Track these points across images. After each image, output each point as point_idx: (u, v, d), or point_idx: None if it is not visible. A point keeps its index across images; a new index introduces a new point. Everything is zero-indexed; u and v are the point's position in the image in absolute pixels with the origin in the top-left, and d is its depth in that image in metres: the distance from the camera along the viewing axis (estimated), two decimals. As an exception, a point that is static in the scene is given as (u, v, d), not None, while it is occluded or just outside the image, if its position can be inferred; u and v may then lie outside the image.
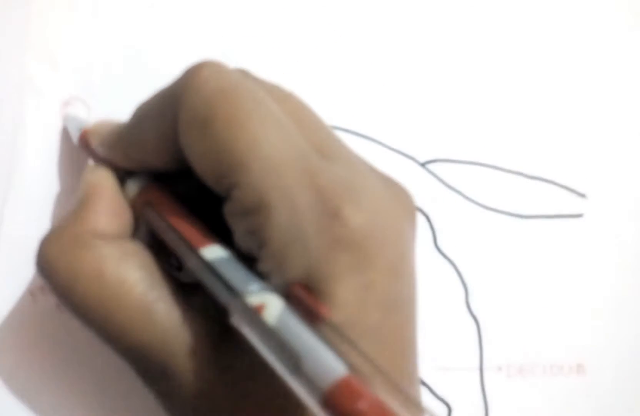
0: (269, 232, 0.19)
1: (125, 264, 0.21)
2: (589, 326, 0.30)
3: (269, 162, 0.19)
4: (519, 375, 0.29)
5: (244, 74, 0.22)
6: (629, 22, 0.33)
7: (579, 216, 0.31)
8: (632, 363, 0.30)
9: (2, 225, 0.28)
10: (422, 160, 0.30)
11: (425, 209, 0.30)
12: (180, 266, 0.22)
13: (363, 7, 0.31)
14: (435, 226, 0.30)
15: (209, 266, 0.19)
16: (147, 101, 0.22)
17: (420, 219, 0.30)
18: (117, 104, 0.29)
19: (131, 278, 0.20)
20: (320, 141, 0.21)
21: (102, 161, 0.24)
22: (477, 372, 0.29)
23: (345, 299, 0.18)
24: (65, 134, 0.28)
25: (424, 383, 0.29)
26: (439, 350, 0.29)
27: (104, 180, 0.23)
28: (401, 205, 0.21)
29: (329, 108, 0.29)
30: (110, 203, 0.22)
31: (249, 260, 0.20)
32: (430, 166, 0.30)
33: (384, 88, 0.31)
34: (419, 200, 0.30)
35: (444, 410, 0.29)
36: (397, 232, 0.20)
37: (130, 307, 0.20)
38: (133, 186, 0.23)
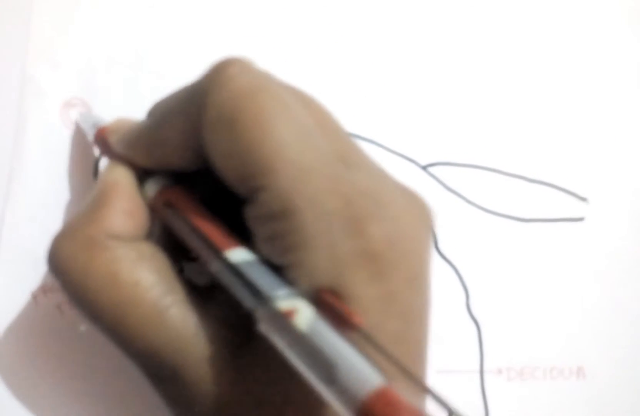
0: (296, 237, 0.18)
1: (140, 267, 0.20)
2: (589, 329, 0.30)
3: (296, 167, 0.18)
4: (519, 378, 0.29)
5: (268, 74, 0.21)
6: (631, 27, 0.33)
7: (580, 219, 0.31)
8: (632, 366, 0.30)
9: (3, 227, 0.28)
10: (423, 163, 0.30)
11: (427, 212, 0.30)
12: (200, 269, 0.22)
13: (365, 12, 0.31)
14: (436, 229, 0.30)
15: (234, 269, 0.19)
16: (169, 97, 0.21)
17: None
18: (118, 104, 0.29)
19: (145, 281, 0.20)
20: (343, 148, 0.20)
21: (119, 158, 0.23)
22: (478, 375, 0.29)
23: (368, 307, 0.18)
24: (77, 135, 0.28)
25: (424, 386, 0.29)
26: (440, 353, 0.29)
27: (121, 179, 0.22)
28: (419, 215, 0.21)
29: (331, 111, 0.30)
30: (127, 203, 0.22)
31: (270, 266, 0.19)
32: (432, 169, 0.30)
33: (385, 91, 0.31)
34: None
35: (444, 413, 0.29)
36: (417, 242, 0.20)
37: (143, 311, 0.20)
38: (152, 186, 0.22)
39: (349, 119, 0.30)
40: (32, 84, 0.29)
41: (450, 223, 0.30)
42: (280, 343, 0.17)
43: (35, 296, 0.28)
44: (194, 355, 0.20)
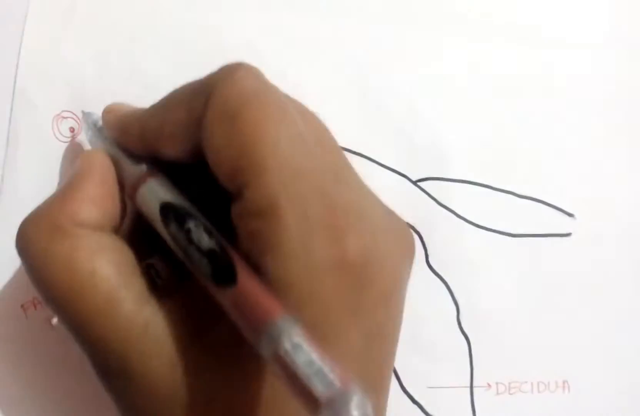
0: (276, 237, 0.19)
1: (98, 257, 0.21)
2: (574, 343, 0.30)
3: (286, 168, 0.19)
4: (507, 392, 0.30)
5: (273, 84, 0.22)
6: (622, 50, 0.33)
7: (567, 235, 0.31)
8: (615, 379, 0.31)
9: (-6, 240, 0.27)
10: (414, 178, 0.31)
11: (417, 227, 0.30)
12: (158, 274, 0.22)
13: (356, 24, 0.31)
14: (427, 244, 0.30)
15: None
16: (174, 90, 0.22)
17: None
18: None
19: (101, 272, 0.20)
20: (336, 164, 0.21)
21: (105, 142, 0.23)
22: (467, 390, 0.29)
23: (336, 317, 0.19)
24: (69, 148, 0.28)
25: (415, 402, 0.29)
26: (430, 368, 0.29)
27: (97, 163, 0.23)
28: (400, 241, 0.22)
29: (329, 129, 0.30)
30: (96, 190, 0.22)
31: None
32: (423, 184, 0.31)
33: (377, 106, 0.31)
34: (411, 218, 0.30)
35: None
36: (393, 264, 0.21)
37: (95, 300, 0.20)
38: (137, 170, 0.22)
39: (340, 134, 0.30)
40: (24, 97, 0.29)
41: (441, 238, 0.30)
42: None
43: (25, 309, 0.28)
44: (142, 349, 0.20)
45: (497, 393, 0.30)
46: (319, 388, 0.15)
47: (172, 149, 0.22)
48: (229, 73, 0.20)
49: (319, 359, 0.16)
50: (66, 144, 0.28)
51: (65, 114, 0.29)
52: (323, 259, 0.19)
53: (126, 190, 0.23)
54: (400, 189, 0.30)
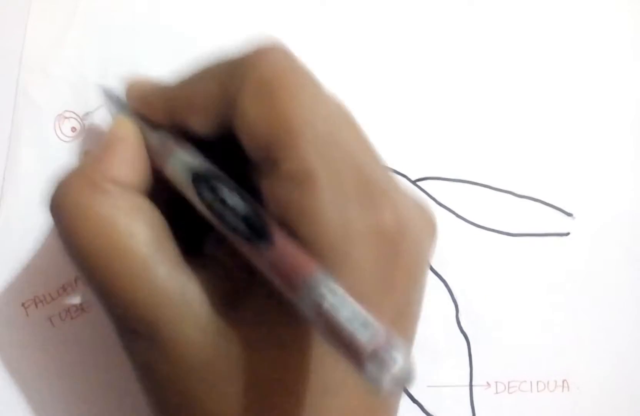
0: (312, 202, 0.19)
1: (137, 219, 0.21)
2: (574, 342, 0.31)
3: (322, 139, 0.19)
4: (506, 391, 0.30)
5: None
6: (619, 49, 0.33)
7: (566, 234, 0.31)
8: (614, 378, 0.31)
9: (-4, 239, 0.28)
10: (413, 178, 0.31)
11: (417, 227, 0.30)
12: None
13: (357, 26, 0.32)
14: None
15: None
16: (204, 65, 0.22)
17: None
18: (111, 117, 0.29)
19: (140, 234, 0.20)
20: (364, 143, 0.22)
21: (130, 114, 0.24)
22: (467, 389, 0.30)
23: (369, 284, 0.19)
24: (72, 147, 0.28)
25: (414, 401, 0.29)
26: (430, 368, 0.29)
27: (129, 130, 0.23)
28: (425, 221, 0.22)
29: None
30: (131, 154, 0.22)
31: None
32: (422, 184, 0.31)
33: (376, 106, 0.31)
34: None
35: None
36: (420, 242, 0.21)
37: (133, 263, 0.20)
38: (163, 141, 0.23)
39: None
40: (26, 97, 0.29)
41: (440, 237, 0.30)
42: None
43: (26, 307, 0.28)
44: (175, 315, 0.20)
45: (497, 392, 0.30)
46: (364, 338, 0.15)
47: (201, 122, 0.22)
48: (264, 52, 0.20)
49: (362, 311, 0.16)
50: (68, 144, 0.29)
51: (67, 114, 0.29)
52: (359, 227, 0.19)
53: (152, 161, 0.23)
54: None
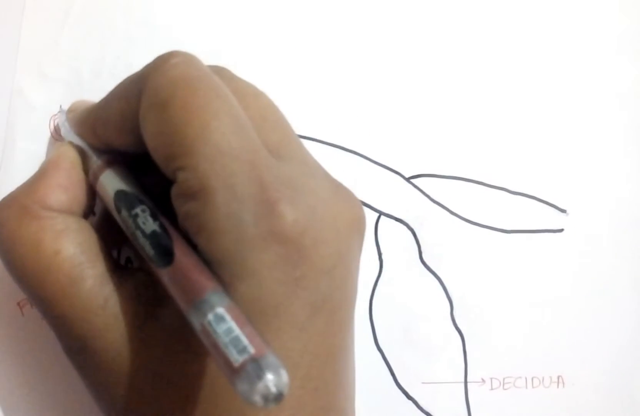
0: (207, 217, 0.19)
1: (63, 237, 0.22)
2: (568, 339, 0.31)
3: (215, 150, 0.19)
4: (501, 387, 0.30)
5: (216, 69, 0.22)
6: (611, 45, 0.33)
7: (560, 230, 0.31)
8: (609, 374, 0.31)
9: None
10: (407, 175, 0.31)
11: (411, 224, 0.30)
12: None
13: (350, 22, 0.32)
14: (421, 240, 0.30)
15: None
16: (119, 83, 0.23)
17: (406, 234, 0.30)
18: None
19: (65, 252, 0.22)
20: (279, 141, 0.22)
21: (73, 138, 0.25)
22: (462, 385, 0.30)
23: (273, 289, 0.20)
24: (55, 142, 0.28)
25: (409, 397, 0.29)
26: (425, 364, 0.29)
27: (63, 155, 0.24)
28: (345, 211, 0.22)
29: (315, 122, 0.30)
30: (63, 178, 0.23)
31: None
32: (416, 181, 0.31)
33: (369, 103, 0.31)
34: (405, 214, 0.30)
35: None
36: (336, 234, 0.21)
37: (59, 278, 0.21)
38: (96, 162, 0.24)
39: (333, 132, 0.31)
40: (21, 97, 0.29)
41: (435, 234, 0.30)
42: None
43: (21, 306, 0.28)
44: (100, 325, 0.21)
45: (492, 389, 0.30)
46: (233, 355, 0.17)
47: (119, 140, 0.23)
48: (162, 62, 0.21)
49: (237, 329, 0.17)
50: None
51: (62, 114, 0.29)
52: (254, 234, 0.19)
53: (91, 180, 0.24)
54: (394, 186, 0.31)
